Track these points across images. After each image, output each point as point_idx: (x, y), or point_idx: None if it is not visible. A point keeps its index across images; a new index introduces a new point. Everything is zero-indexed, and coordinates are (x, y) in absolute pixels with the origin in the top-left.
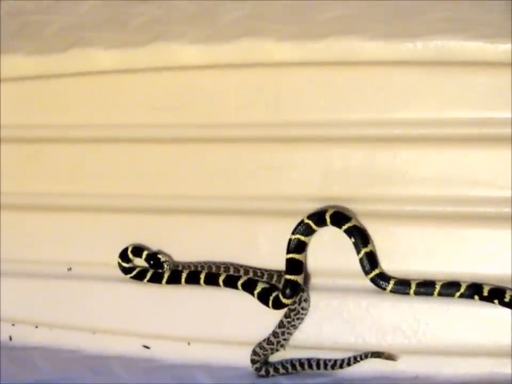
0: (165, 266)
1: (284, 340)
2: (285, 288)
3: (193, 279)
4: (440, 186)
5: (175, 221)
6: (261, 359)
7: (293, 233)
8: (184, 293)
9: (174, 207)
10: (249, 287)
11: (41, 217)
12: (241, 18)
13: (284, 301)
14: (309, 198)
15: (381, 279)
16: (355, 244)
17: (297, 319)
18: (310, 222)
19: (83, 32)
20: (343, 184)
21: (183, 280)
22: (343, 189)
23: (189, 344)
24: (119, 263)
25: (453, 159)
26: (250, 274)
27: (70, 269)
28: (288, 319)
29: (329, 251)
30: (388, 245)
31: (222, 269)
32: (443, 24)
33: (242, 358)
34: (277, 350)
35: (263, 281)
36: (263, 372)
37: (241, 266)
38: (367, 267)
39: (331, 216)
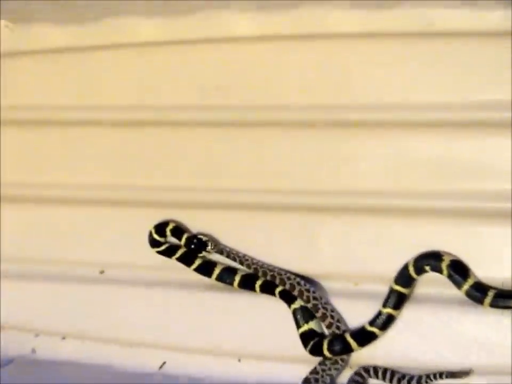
0: (209, 245)
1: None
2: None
3: (226, 276)
4: None
5: (225, 217)
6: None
7: (395, 282)
8: (232, 300)
9: (223, 202)
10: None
11: (70, 211)
12: None
13: (326, 353)
14: (378, 193)
15: (477, 291)
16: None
17: (335, 369)
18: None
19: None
20: (418, 176)
21: (214, 274)
22: (417, 182)
23: (239, 360)
24: (150, 233)
25: None
26: (296, 293)
27: (102, 272)
28: (323, 367)
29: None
30: (469, 247)
31: (269, 276)
32: None
33: (293, 374)
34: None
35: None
36: None
37: (288, 278)
38: (458, 278)
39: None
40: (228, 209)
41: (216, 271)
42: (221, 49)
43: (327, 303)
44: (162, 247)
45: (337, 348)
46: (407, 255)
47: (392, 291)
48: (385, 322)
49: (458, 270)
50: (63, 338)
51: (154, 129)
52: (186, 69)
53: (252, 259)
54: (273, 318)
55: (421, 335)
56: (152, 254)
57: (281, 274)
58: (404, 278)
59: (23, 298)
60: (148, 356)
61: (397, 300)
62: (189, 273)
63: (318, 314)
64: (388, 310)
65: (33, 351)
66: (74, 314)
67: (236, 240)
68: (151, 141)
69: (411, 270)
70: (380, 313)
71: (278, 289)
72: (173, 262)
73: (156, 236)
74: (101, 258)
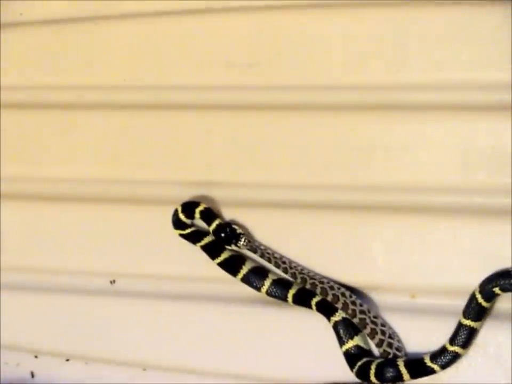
0: (242, 239)
1: None
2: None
3: (254, 278)
4: None
5: (258, 216)
6: None
7: (464, 316)
8: (268, 315)
9: (256, 198)
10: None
11: (69, 209)
12: None
13: (373, 379)
14: (443, 189)
15: None
16: None
17: None
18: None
19: None
20: (492, 169)
21: (240, 273)
22: (492, 176)
23: None
24: (176, 212)
25: None
26: (339, 305)
27: (113, 282)
28: None
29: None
30: None
31: (308, 283)
32: None
33: None
34: None
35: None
36: None
37: (331, 287)
38: None
39: None
40: (260, 207)
41: (244, 270)
42: (250, 18)
43: (376, 316)
44: (187, 230)
45: (386, 375)
46: (476, 263)
47: (461, 326)
48: (449, 361)
49: None
50: (67, 360)
51: (172, 113)
52: (209, 42)
53: (291, 262)
54: (307, 335)
55: (495, 361)
56: (172, 261)
57: (323, 283)
58: (473, 310)
59: (20, 313)
60: (164, 381)
61: (467, 337)
62: (215, 283)
63: (367, 331)
64: (455, 349)
65: (32, 374)
66: (80, 332)
67: (270, 242)
68: (170, 127)
69: (479, 298)
70: (445, 350)
71: (315, 300)
72: (196, 272)
73: (181, 216)
74: (112, 266)
